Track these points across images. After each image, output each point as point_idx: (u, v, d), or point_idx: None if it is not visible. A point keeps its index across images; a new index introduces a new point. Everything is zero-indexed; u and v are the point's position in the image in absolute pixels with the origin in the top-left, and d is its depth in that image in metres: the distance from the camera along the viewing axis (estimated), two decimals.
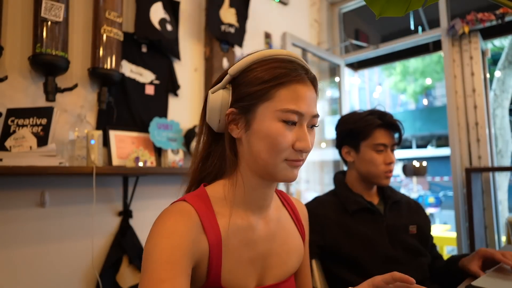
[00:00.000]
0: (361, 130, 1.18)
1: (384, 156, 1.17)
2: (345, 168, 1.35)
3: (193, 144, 1.83)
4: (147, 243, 0.57)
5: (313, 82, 0.68)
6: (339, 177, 1.29)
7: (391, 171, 1.18)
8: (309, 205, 1.20)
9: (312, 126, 0.66)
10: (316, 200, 1.24)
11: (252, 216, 0.68)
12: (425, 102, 13.23)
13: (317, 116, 0.66)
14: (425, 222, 1.24)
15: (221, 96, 0.65)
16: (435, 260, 1.21)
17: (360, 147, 1.19)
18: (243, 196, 0.67)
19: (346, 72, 3.13)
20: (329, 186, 2.97)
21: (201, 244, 0.60)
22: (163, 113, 1.88)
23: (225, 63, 2.11)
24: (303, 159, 0.65)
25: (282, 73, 0.62)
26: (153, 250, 0.56)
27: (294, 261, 0.73)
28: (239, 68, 0.64)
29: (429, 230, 1.25)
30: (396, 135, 1.21)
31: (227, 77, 0.65)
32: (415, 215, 1.24)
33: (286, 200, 0.80)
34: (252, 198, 0.68)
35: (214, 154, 0.70)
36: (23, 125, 1.29)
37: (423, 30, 2.71)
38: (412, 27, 2.76)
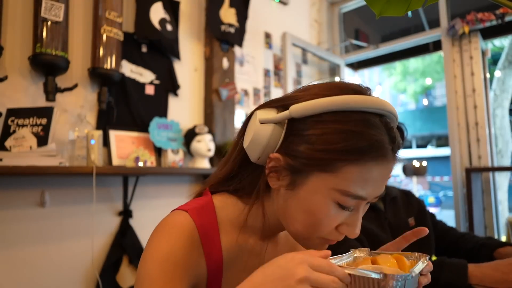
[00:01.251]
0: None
1: None
2: None
3: (194, 144, 1.83)
4: (142, 261, 0.51)
5: (396, 153, 0.51)
6: None
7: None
8: None
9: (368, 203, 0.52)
10: None
11: (260, 240, 0.59)
12: (425, 102, 13.24)
13: (378, 197, 0.51)
14: (419, 210, 1.26)
15: (270, 133, 0.50)
16: (458, 240, 1.21)
17: None
18: (256, 226, 0.58)
19: (346, 72, 3.13)
20: None
21: (199, 268, 0.52)
22: (163, 113, 1.88)
23: (225, 63, 2.11)
24: (340, 239, 0.53)
25: (362, 147, 0.45)
26: (147, 273, 0.49)
27: None
28: (305, 111, 0.48)
29: (427, 219, 1.25)
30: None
31: (285, 114, 0.49)
32: (410, 207, 1.26)
33: None
34: (264, 229, 0.58)
35: (240, 177, 0.59)
36: (23, 125, 1.29)
37: (423, 30, 2.71)
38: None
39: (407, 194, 1.31)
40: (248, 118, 0.57)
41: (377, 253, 0.52)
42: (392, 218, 1.18)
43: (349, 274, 0.41)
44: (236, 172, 0.59)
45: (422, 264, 0.46)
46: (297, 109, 0.48)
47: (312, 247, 0.53)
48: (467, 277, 0.88)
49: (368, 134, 0.46)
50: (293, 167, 0.49)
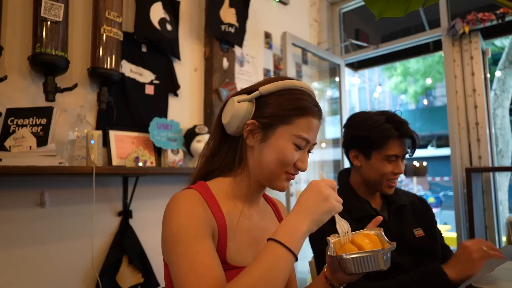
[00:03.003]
0: (375, 139, 1.12)
1: (393, 166, 1.13)
2: (346, 165, 1.32)
3: (194, 144, 1.83)
4: (169, 224, 0.68)
5: (321, 116, 0.80)
6: (343, 177, 1.26)
7: (395, 179, 1.15)
8: None
9: (310, 150, 0.80)
10: None
11: (248, 208, 0.80)
12: (425, 102, 13.23)
13: (315, 144, 0.80)
14: (431, 222, 1.22)
15: (245, 108, 0.75)
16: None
17: (372, 155, 1.14)
18: (242, 192, 0.79)
19: (346, 72, 3.13)
20: None
21: (211, 220, 0.70)
22: (163, 113, 1.88)
23: (225, 63, 2.11)
24: (296, 174, 0.78)
25: (305, 105, 0.75)
26: (178, 229, 0.66)
27: None
28: (270, 89, 0.75)
29: (436, 229, 1.22)
30: (408, 142, 1.16)
31: (256, 93, 0.76)
32: (421, 217, 1.21)
33: (268, 199, 0.93)
34: (248, 195, 0.80)
35: (221, 153, 0.81)
36: (22, 125, 1.29)
37: (423, 30, 2.71)
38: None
39: (422, 202, 1.27)
40: (224, 104, 0.80)
41: (335, 235, 0.75)
42: (396, 228, 1.14)
43: (356, 258, 0.64)
44: (218, 148, 0.81)
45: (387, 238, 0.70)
46: (265, 88, 0.75)
47: (279, 182, 0.76)
48: (448, 277, 0.95)
49: (307, 100, 0.76)
50: (265, 124, 0.75)
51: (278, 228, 0.63)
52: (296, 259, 0.61)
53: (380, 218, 0.74)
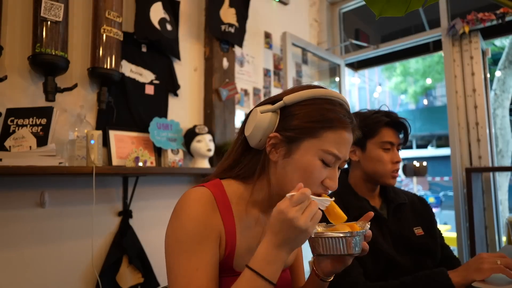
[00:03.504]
0: (368, 127, 1.15)
1: (391, 155, 1.16)
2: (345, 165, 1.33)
3: (194, 144, 1.83)
4: (174, 225, 0.66)
5: (355, 129, 0.73)
6: (342, 177, 1.26)
7: (397, 170, 1.17)
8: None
9: (340, 167, 0.73)
10: None
11: (261, 215, 0.76)
12: (425, 102, 13.24)
13: (347, 160, 0.73)
14: (430, 221, 1.22)
15: (269, 119, 0.70)
16: (452, 261, 1.18)
17: (367, 145, 1.17)
18: (259, 201, 0.75)
19: (346, 72, 3.13)
20: None
21: (219, 225, 0.68)
22: (163, 113, 1.88)
23: (225, 63, 2.11)
24: (324, 193, 0.71)
25: (333, 117, 0.67)
26: (183, 236, 0.64)
27: (290, 257, 0.82)
28: (294, 99, 0.69)
29: (435, 229, 1.23)
30: (402, 135, 1.19)
31: (280, 103, 0.70)
32: (420, 217, 1.21)
33: None
34: (265, 205, 0.76)
35: (241, 165, 0.76)
36: (22, 125, 1.29)
37: (424, 30, 2.71)
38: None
39: (421, 201, 1.27)
40: (248, 114, 0.75)
41: (333, 224, 0.72)
42: (395, 226, 1.14)
43: (324, 238, 0.65)
44: (238, 160, 0.76)
45: (367, 226, 0.69)
46: (290, 98, 0.69)
47: None
48: (451, 282, 0.94)
49: (336, 110, 0.69)
50: (289, 138, 0.69)
51: (257, 256, 0.60)
52: (273, 285, 0.59)
53: (371, 213, 0.72)
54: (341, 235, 0.63)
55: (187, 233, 0.64)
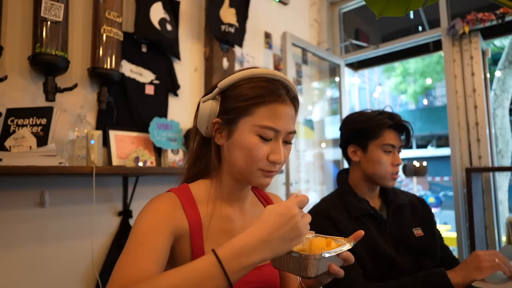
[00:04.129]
0: (371, 129, 1.15)
1: (391, 157, 1.15)
2: (346, 165, 1.32)
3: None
4: (135, 221, 0.67)
5: (294, 101, 0.74)
6: (342, 177, 1.26)
7: (397, 172, 1.16)
8: (320, 208, 1.18)
9: (287, 141, 0.74)
10: (325, 202, 1.21)
11: (230, 209, 0.77)
12: (425, 102, 13.24)
13: (293, 132, 0.73)
14: (430, 222, 1.22)
15: (209, 106, 0.73)
16: (452, 261, 1.19)
17: (368, 147, 1.17)
18: (222, 193, 0.77)
19: (346, 72, 3.13)
20: (329, 186, 2.97)
21: (182, 221, 0.69)
22: (163, 113, 1.88)
23: (225, 63, 2.11)
24: (276, 170, 0.72)
25: (263, 92, 0.69)
26: (136, 223, 0.65)
27: None
28: (228, 82, 0.72)
29: (435, 229, 1.22)
30: (403, 137, 1.19)
31: (216, 90, 0.73)
32: (419, 217, 1.21)
33: (262, 196, 0.89)
34: (229, 194, 0.77)
35: (203, 156, 0.80)
36: (22, 125, 1.29)
37: (423, 30, 2.71)
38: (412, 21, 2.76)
39: (421, 202, 1.27)
40: (197, 109, 0.79)
41: (318, 235, 0.67)
42: (395, 227, 1.15)
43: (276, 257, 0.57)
44: (198, 152, 0.80)
45: (340, 249, 0.62)
46: (223, 82, 0.72)
47: (255, 179, 0.71)
48: (451, 282, 0.94)
49: (267, 85, 0.70)
50: (227, 120, 0.71)
51: (228, 245, 0.53)
52: (229, 283, 0.52)
53: (361, 232, 0.67)
54: (294, 255, 0.57)
55: (139, 224, 0.65)
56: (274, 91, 0.70)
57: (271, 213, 0.56)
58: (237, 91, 0.71)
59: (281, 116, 0.70)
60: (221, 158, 0.76)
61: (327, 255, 0.58)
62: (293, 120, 0.73)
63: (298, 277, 0.72)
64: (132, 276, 0.57)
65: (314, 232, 0.65)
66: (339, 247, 0.62)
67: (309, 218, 0.58)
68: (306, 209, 0.97)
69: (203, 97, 0.77)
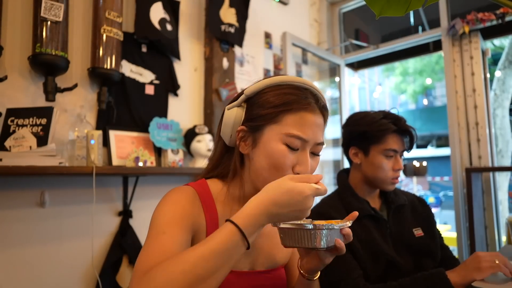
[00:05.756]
0: (374, 134, 1.14)
1: (393, 162, 1.14)
2: (346, 165, 1.32)
3: (194, 144, 1.84)
4: (155, 212, 0.67)
5: (323, 110, 0.72)
6: (342, 177, 1.26)
7: (398, 177, 1.16)
8: (320, 208, 1.18)
9: (315, 153, 0.71)
10: (325, 203, 1.20)
11: None
12: (425, 102, 13.23)
13: (321, 144, 0.71)
14: (430, 222, 1.21)
15: (235, 114, 0.71)
16: (452, 261, 1.18)
17: (370, 151, 1.16)
18: (239, 197, 0.75)
19: (346, 72, 3.13)
20: (329, 186, 2.97)
21: (200, 218, 0.69)
22: (163, 113, 1.88)
23: (225, 63, 2.11)
24: None
25: (291, 99, 0.67)
26: (158, 214, 0.66)
27: (280, 254, 0.81)
28: (254, 89, 0.71)
29: (435, 229, 1.22)
30: (406, 139, 1.17)
31: (242, 97, 0.72)
32: (419, 217, 1.21)
33: None
34: (246, 200, 0.74)
35: (224, 163, 0.78)
36: (23, 125, 1.29)
37: (423, 30, 2.71)
38: (412, 23, 2.76)
39: (421, 202, 1.27)
40: (221, 116, 0.76)
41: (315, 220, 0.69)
42: (395, 227, 1.14)
43: (288, 228, 0.62)
44: (219, 161, 0.78)
45: (343, 224, 0.64)
46: (249, 89, 0.71)
47: None
48: (450, 282, 0.94)
49: (295, 92, 0.68)
50: (252, 127, 0.70)
51: (242, 214, 0.57)
52: (248, 247, 0.57)
53: (355, 213, 0.69)
54: (306, 227, 0.61)
55: (162, 213, 0.65)
56: (302, 99, 0.68)
57: (286, 192, 0.57)
58: (264, 98, 0.69)
59: (310, 125, 0.68)
60: (245, 167, 0.75)
61: (336, 226, 0.62)
62: (321, 131, 0.71)
63: (299, 266, 0.73)
64: (158, 260, 0.57)
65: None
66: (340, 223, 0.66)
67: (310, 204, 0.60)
68: None
69: (228, 104, 0.75)
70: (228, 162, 0.77)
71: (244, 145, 0.72)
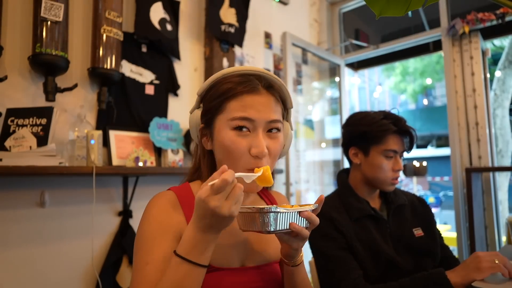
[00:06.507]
0: (374, 134, 1.14)
1: (393, 163, 1.14)
2: (346, 165, 1.32)
3: (192, 145, 1.84)
4: (138, 228, 0.70)
5: (269, 90, 0.72)
6: (342, 177, 1.26)
7: (397, 177, 1.16)
8: (320, 209, 1.18)
9: (275, 130, 0.71)
10: (325, 203, 1.18)
11: None
12: (425, 102, 13.23)
13: (276, 121, 0.70)
14: (430, 222, 1.22)
15: (195, 115, 0.75)
16: (452, 261, 1.18)
17: (370, 151, 1.16)
18: None
19: (346, 72, 3.13)
20: (329, 186, 2.97)
21: (181, 223, 0.70)
22: (163, 113, 1.88)
23: (225, 63, 2.11)
24: (259, 165, 0.68)
25: (231, 86, 0.69)
26: (139, 235, 0.68)
27: (271, 250, 0.80)
28: (204, 87, 0.74)
29: (435, 229, 1.22)
30: (406, 140, 1.17)
31: (197, 98, 0.76)
32: (419, 217, 1.21)
33: (265, 195, 0.88)
34: None
35: (203, 165, 0.79)
36: (23, 125, 1.29)
37: (423, 30, 2.71)
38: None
39: (421, 202, 1.27)
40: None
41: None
42: (395, 227, 1.14)
43: (241, 212, 0.64)
44: (199, 164, 0.80)
45: (301, 208, 0.64)
46: (200, 89, 0.75)
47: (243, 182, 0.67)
48: (450, 282, 0.93)
49: (235, 80, 0.70)
50: (206, 122, 0.73)
51: (183, 241, 0.59)
52: (202, 266, 0.59)
53: (322, 196, 0.68)
54: (253, 211, 0.61)
55: (143, 233, 0.68)
56: (242, 83, 0.69)
57: (196, 205, 0.57)
58: (211, 92, 0.72)
59: (253, 105, 0.68)
60: (216, 163, 0.76)
61: (281, 210, 0.61)
62: (270, 108, 0.70)
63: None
64: None
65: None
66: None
67: (236, 194, 0.56)
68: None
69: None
70: (206, 163, 0.79)
71: (206, 141, 0.75)
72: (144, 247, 0.66)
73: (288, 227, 0.63)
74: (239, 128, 0.68)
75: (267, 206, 0.62)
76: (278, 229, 0.62)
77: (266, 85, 0.71)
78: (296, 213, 0.63)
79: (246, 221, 0.65)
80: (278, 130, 0.71)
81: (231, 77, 0.71)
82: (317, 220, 0.66)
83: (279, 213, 0.61)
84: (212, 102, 0.71)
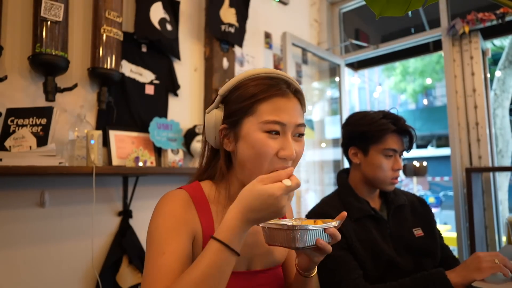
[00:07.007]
0: (373, 134, 1.14)
1: (392, 162, 1.14)
2: (346, 165, 1.32)
3: (194, 144, 1.83)
4: (150, 224, 0.69)
5: (296, 94, 0.73)
6: (342, 177, 1.26)
7: (397, 177, 1.16)
8: (320, 209, 1.18)
9: (298, 135, 0.72)
10: (325, 203, 1.20)
11: None
12: (425, 102, 13.23)
13: (302, 125, 0.72)
14: (430, 222, 1.21)
15: (214, 115, 0.74)
16: (452, 261, 1.18)
17: (369, 150, 1.16)
18: (230, 198, 0.76)
19: (346, 72, 3.13)
20: (329, 186, 2.96)
21: (195, 222, 0.71)
22: (163, 113, 1.88)
23: (225, 63, 2.11)
24: (288, 167, 0.69)
25: (262, 89, 0.69)
26: (154, 228, 0.68)
27: (277, 253, 0.82)
28: (227, 88, 0.74)
29: (435, 229, 1.22)
30: (406, 139, 1.18)
31: (218, 98, 0.75)
32: (419, 217, 1.21)
33: None
34: (230, 194, 0.77)
35: (214, 165, 0.80)
36: (22, 125, 1.29)
37: (423, 30, 2.71)
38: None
39: (421, 202, 1.27)
40: (204, 121, 0.79)
41: (305, 219, 0.75)
42: (395, 227, 1.14)
43: (269, 228, 0.65)
44: (209, 164, 0.81)
45: (326, 225, 0.66)
46: (223, 88, 0.74)
47: None
48: (450, 282, 0.94)
49: (265, 82, 0.70)
50: (232, 123, 0.72)
51: (225, 228, 0.59)
52: (238, 255, 0.59)
53: (344, 213, 0.70)
54: (283, 227, 0.63)
55: (157, 226, 0.67)
56: (273, 86, 0.70)
57: (252, 196, 0.58)
58: (237, 93, 0.71)
59: (284, 109, 0.69)
60: (232, 165, 0.77)
61: (311, 227, 0.63)
62: (298, 113, 0.72)
63: (296, 264, 0.76)
64: (163, 284, 0.60)
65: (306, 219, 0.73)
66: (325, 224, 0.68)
67: (291, 196, 0.61)
68: (306, 210, 0.97)
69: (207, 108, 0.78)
70: (217, 164, 0.78)
71: (228, 142, 0.74)
72: (159, 239, 0.65)
73: (314, 243, 0.65)
74: (270, 131, 0.68)
75: (297, 223, 0.64)
76: (306, 245, 0.64)
77: (293, 89, 0.72)
78: (322, 230, 0.66)
79: (276, 236, 0.65)
80: (303, 134, 0.73)
81: (259, 79, 0.71)
82: (339, 236, 0.68)
83: (308, 231, 0.63)
84: (240, 103, 0.70)
